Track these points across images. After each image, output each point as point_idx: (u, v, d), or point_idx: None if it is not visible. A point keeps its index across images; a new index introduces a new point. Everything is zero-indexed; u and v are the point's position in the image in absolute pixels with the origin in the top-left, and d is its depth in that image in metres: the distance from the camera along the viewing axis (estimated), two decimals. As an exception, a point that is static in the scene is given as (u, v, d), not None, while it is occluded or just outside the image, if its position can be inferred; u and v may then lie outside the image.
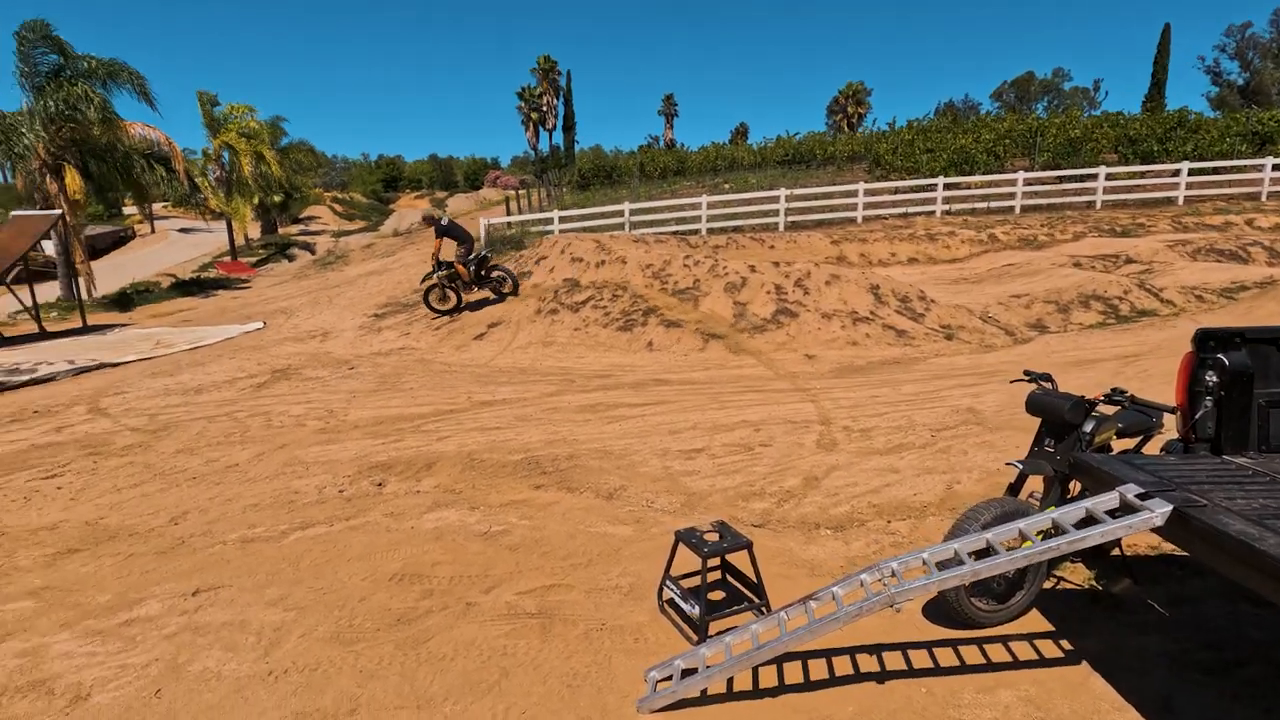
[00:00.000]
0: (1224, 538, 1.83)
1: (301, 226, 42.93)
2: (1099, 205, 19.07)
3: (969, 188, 20.29)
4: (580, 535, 3.90)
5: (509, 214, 23.50)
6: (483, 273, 11.52)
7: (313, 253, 28.02)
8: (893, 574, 2.35)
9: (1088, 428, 2.79)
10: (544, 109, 66.62)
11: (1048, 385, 3.08)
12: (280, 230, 37.76)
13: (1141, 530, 2.05)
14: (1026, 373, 3.23)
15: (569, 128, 66.61)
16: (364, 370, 8.97)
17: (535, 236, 20.99)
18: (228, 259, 25.57)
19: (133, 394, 8.06)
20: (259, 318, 15.00)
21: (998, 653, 2.67)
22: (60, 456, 5.80)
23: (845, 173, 28.31)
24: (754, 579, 2.89)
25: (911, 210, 19.88)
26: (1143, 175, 20.14)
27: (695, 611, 2.78)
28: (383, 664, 2.75)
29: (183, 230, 41.26)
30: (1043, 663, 2.60)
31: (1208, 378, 2.49)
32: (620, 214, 20.51)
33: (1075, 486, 3.01)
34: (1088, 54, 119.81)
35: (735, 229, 19.80)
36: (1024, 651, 2.67)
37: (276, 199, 35.44)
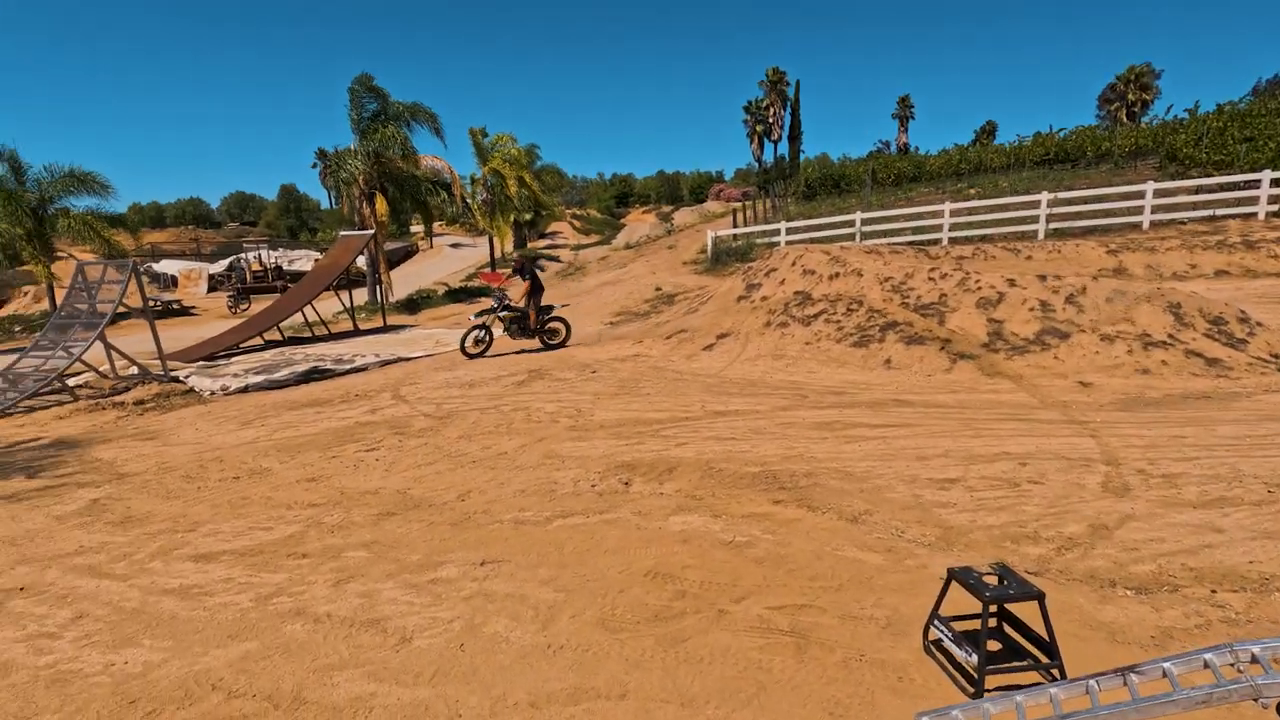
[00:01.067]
0: None
1: (547, 241, 47.54)
2: None
3: (1309, 183, 16.21)
4: (827, 557, 3.80)
5: (735, 226, 23.78)
6: (543, 321, 11.98)
7: (559, 263, 30.93)
8: (1253, 659, 1.93)
9: None
10: (770, 120, 66.51)
11: None
12: (528, 245, 42.20)
13: None
14: None
15: (794, 137, 65.74)
16: (604, 374, 9.65)
17: (761, 248, 21.03)
18: (488, 270, 29.13)
19: (423, 385, 9.52)
20: (513, 322, 16.83)
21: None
22: (375, 434, 7.03)
23: (1125, 171, 24.32)
24: (1045, 635, 2.57)
25: (1221, 213, 16.43)
26: None
27: (972, 660, 2.54)
28: (646, 655, 2.91)
29: (453, 245, 48.01)
30: None
31: None
32: (850, 224, 19.72)
33: None
34: None
35: (983, 238, 17.96)
36: None
37: (527, 217, 39.73)
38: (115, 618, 3.47)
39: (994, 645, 2.82)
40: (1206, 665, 1.99)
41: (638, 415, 7.26)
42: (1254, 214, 16.09)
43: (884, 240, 18.82)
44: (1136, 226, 16.97)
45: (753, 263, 14.14)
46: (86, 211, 19.97)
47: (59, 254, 22.68)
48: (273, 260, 33.10)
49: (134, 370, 10.19)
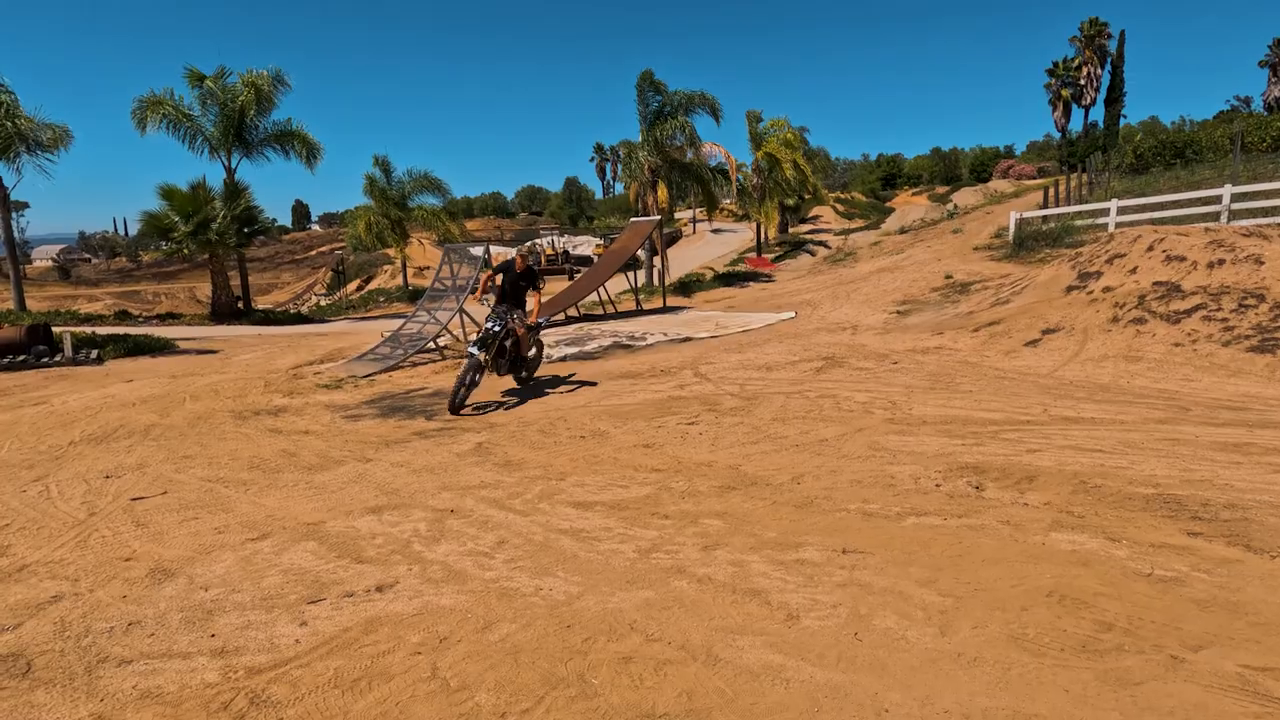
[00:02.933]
0: None
1: (810, 226, 46.43)
2: None
3: None
4: (1307, 616, 3.00)
5: (1045, 205, 20.73)
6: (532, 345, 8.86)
7: (826, 248, 29.99)
8: None
9: None
10: (1081, 82, 57.00)
11: None
12: (790, 230, 41.56)
13: None
14: None
15: (1113, 100, 55.71)
16: (907, 366, 9.01)
17: (1078, 230, 18.06)
18: (753, 255, 29.28)
19: (718, 365, 9.80)
20: (788, 308, 16.68)
21: None
22: (690, 409, 7.37)
23: None
24: None
25: None
26: None
27: None
28: (1090, 692, 2.54)
29: (715, 231, 49.23)
30: None
31: None
32: (1213, 200, 15.95)
33: None
34: None
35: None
36: None
37: (790, 201, 39.10)
38: (529, 548, 4.01)
39: None
40: None
41: (964, 414, 6.62)
42: None
43: (1265, 221, 14.91)
44: None
45: (1083, 248, 12.15)
46: (434, 207, 24.17)
47: (411, 240, 27.82)
48: (560, 245, 37.04)
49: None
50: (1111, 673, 2.65)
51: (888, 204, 59.36)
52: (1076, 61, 56.51)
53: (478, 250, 12.25)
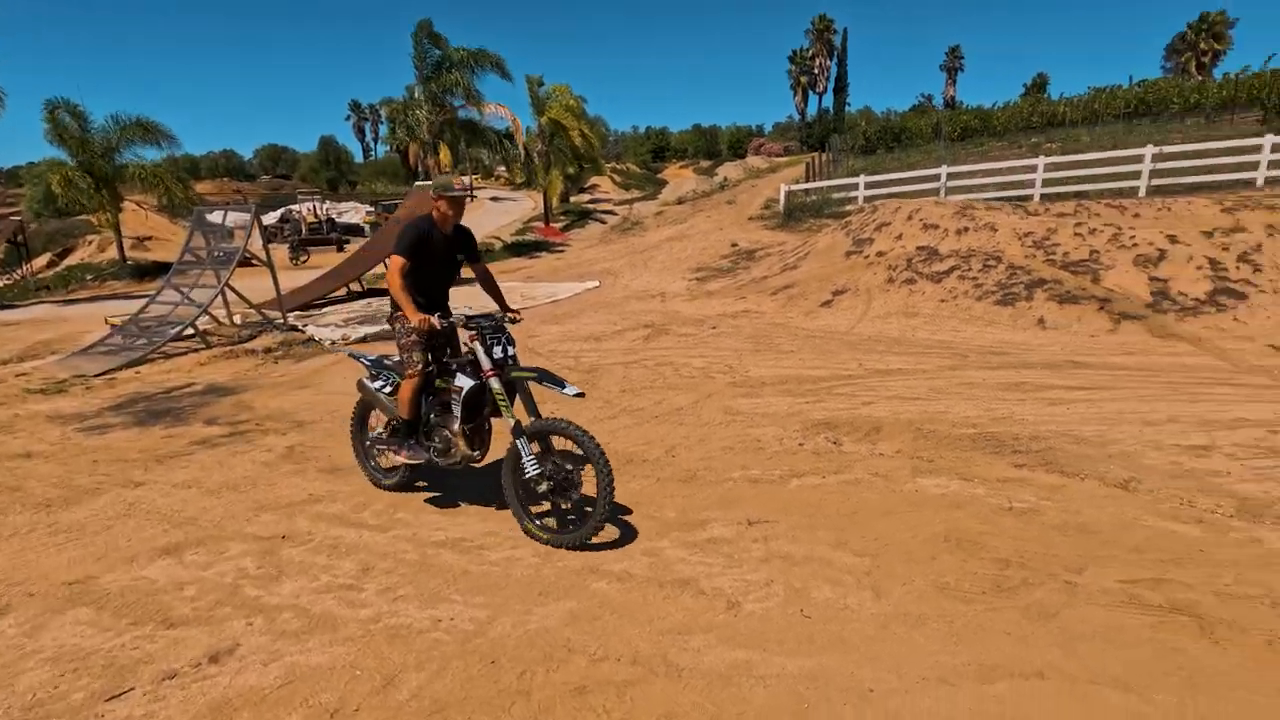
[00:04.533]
0: None
1: (589, 195, 46.77)
2: None
3: None
4: (1135, 527, 3.54)
5: (808, 180, 23.06)
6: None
7: (614, 216, 30.39)
8: None
9: None
10: (815, 71, 64.30)
11: None
12: (572, 199, 41.55)
13: None
14: None
15: (840, 89, 63.55)
16: (726, 330, 9.37)
17: (835, 203, 20.38)
18: (540, 224, 28.73)
19: (542, 338, 9.33)
20: (590, 277, 16.58)
21: None
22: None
23: (1220, 125, 23.03)
24: None
25: (1345, 170, 15.44)
26: None
27: None
28: (1027, 630, 2.70)
29: (493, 199, 47.51)
30: None
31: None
32: (934, 178, 18.94)
33: None
34: None
35: (1078, 195, 17.14)
36: None
37: (572, 170, 39.06)
38: (405, 570, 3.33)
39: None
40: None
41: (795, 373, 7.00)
42: (1383, 171, 15.10)
43: (967, 197, 18.08)
44: (1250, 184, 16.04)
45: (850, 217, 13.63)
46: (154, 164, 19.85)
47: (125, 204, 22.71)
48: (324, 212, 33.01)
49: (257, 318, 10.14)
50: (1031, 608, 2.85)
51: (659, 175, 62.11)
52: (810, 52, 63.67)
53: (237, 217, 10.21)
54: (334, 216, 33.20)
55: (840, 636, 2.71)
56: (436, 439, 3.87)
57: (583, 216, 32.19)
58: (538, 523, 3.57)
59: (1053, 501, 3.88)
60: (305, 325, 10.30)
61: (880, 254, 10.93)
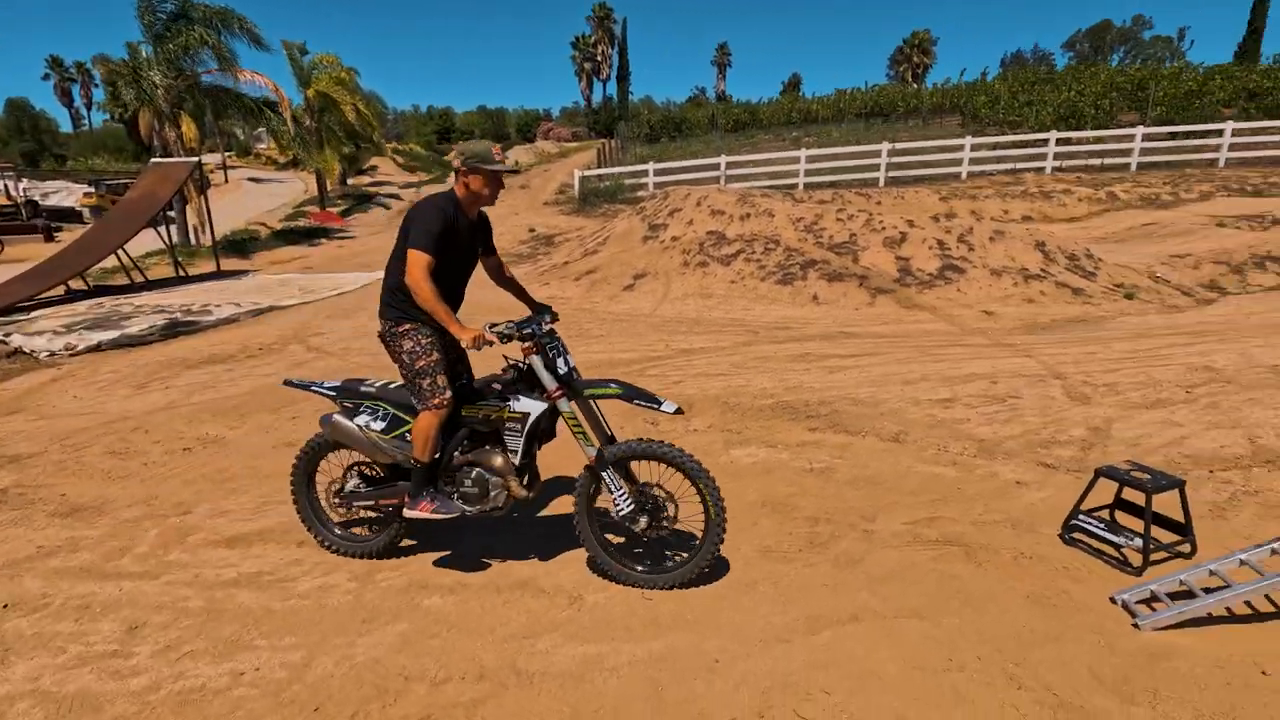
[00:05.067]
0: None
1: (369, 178, 43.33)
2: (1223, 163, 18.25)
3: (1081, 143, 19.58)
4: (910, 475, 4.10)
5: (601, 166, 23.48)
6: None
7: (401, 201, 28.37)
8: None
9: None
10: (598, 59, 65.49)
11: None
12: (350, 181, 38.19)
13: None
14: None
15: (623, 78, 65.37)
16: (534, 317, 9.24)
17: (626, 189, 21.02)
18: (315, 209, 26.06)
19: (332, 335, 8.47)
20: (380, 267, 15.40)
21: None
22: (324, 390, 6.17)
23: (933, 126, 27.46)
24: (1181, 518, 3.04)
25: (1019, 166, 19.31)
26: (1271, 132, 19.11)
27: (1135, 544, 2.95)
28: (839, 578, 2.99)
29: (253, 180, 42.05)
30: None
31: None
32: (715, 167, 20.32)
33: None
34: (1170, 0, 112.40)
35: (833, 184, 19.50)
36: None
37: (348, 149, 35.82)
38: (190, 621, 2.82)
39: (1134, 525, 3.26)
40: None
41: (607, 357, 7.11)
42: (1043, 168, 19.09)
43: (744, 185, 19.69)
44: (957, 176, 19.40)
45: (645, 203, 14.13)
46: None
47: None
48: (21, 192, 26.83)
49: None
50: (840, 558, 3.17)
51: (446, 158, 59.37)
52: (594, 39, 64.69)
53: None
54: (36, 198, 27.20)
55: (682, 614, 2.80)
56: (467, 482, 3.04)
57: (364, 200, 29.75)
58: (639, 569, 2.99)
59: (843, 459, 4.36)
60: (7, 335, 8.29)
61: (675, 239, 11.47)
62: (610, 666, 2.49)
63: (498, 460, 3.00)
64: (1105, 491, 3.33)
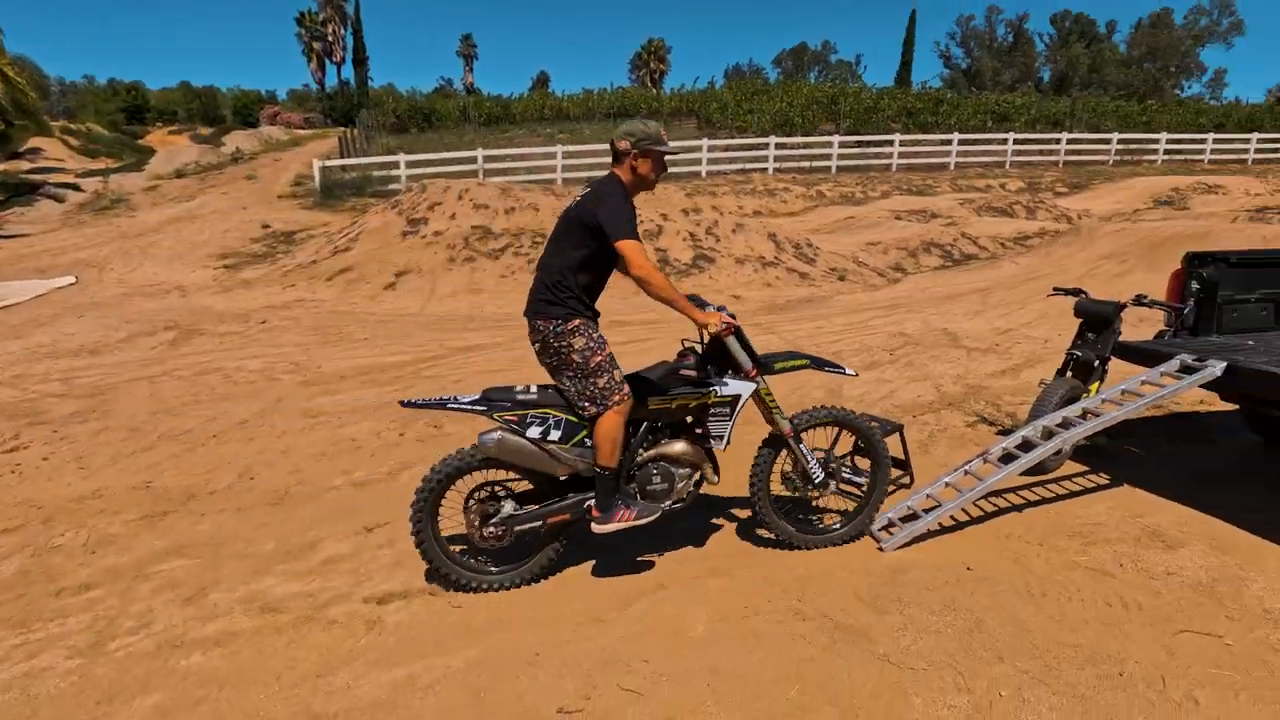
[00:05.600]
0: (1265, 375, 2.99)
1: (30, 164, 34.79)
2: (895, 168, 22.38)
3: (794, 148, 22.60)
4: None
5: (344, 156, 21.47)
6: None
7: (79, 192, 23.02)
8: (1022, 440, 3.29)
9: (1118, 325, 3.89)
10: (329, 38, 59.87)
11: (1082, 296, 4.16)
12: (2, 167, 30.31)
13: (1205, 380, 3.19)
14: (1056, 288, 4.38)
15: (360, 61, 60.58)
16: (281, 323, 8.23)
17: (376, 181, 19.58)
18: (-52, 200, 20.30)
19: (-3, 359, 6.68)
20: (59, 272, 12.54)
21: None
22: (-5, 429, 4.86)
23: (674, 128, 29.69)
24: (901, 456, 3.69)
25: (748, 167, 21.73)
26: (924, 144, 23.88)
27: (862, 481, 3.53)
28: (640, 549, 3.14)
29: None
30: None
31: (1193, 285, 3.75)
32: (472, 160, 19.82)
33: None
34: (849, 29, 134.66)
35: (589, 179, 20.13)
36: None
37: (-6, 126, 28.30)
38: None
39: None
40: (1005, 448, 3.28)
41: (375, 361, 6.61)
42: (767, 169, 21.71)
43: (506, 179, 19.52)
44: (698, 175, 21.25)
45: (400, 196, 13.30)
46: None
47: None
48: None
49: None
50: (648, 532, 3.32)
51: (140, 141, 49.90)
52: (322, 17, 58.87)
53: None
54: None
55: (495, 615, 2.72)
56: (655, 479, 2.87)
57: (24, 191, 23.80)
58: (837, 527, 3.19)
59: (631, 440, 4.56)
60: None
61: (437, 233, 10.98)
62: (425, 685, 2.33)
63: (681, 449, 2.92)
64: (845, 441, 3.92)
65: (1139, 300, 3.91)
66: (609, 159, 2.87)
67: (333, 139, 31.26)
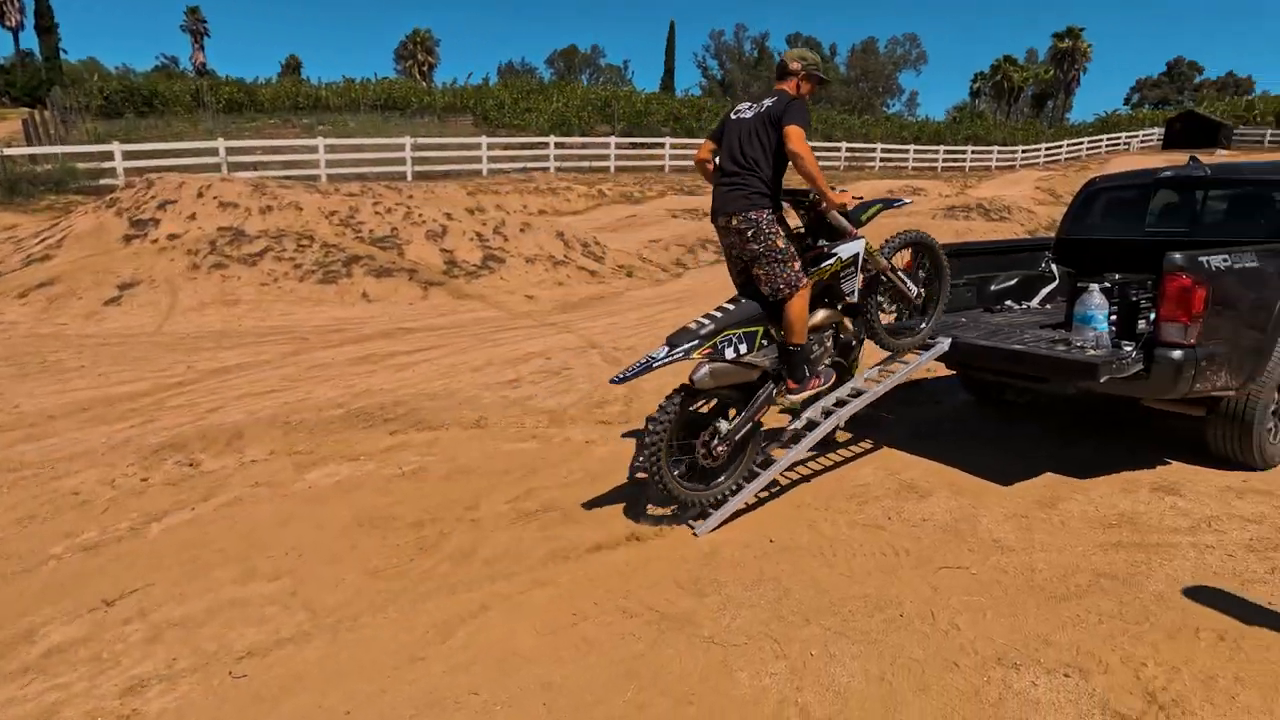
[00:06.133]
0: (976, 347, 3.63)
1: None
2: (667, 169, 23.76)
3: (573, 148, 22.96)
4: (497, 456, 4.26)
5: (32, 144, 17.36)
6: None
7: None
8: (806, 421, 3.66)
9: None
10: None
11: None
12: None
13: (939, 354, 3.78)
14: None
15: (47, 29, 50.22)
16: (-49, 355, 6.46)
17: (84, 176, 16.24)
18: None
19: None
20: None
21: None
22: None
23: (449, 124, 28.59)
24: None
25: (530, 166, 21.63)
26: (693, 147, 25.55)
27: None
28: (460, 575, 2.94)
29: None
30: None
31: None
32: (212, 152, 17.27)
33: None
34: (615, 34, 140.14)
35: (359, 176, 18.62)
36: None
37: None
38: None
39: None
40: (806, 419, 3.63)
41: (100, 393, 5.47)
42: (548, 168, 21.80)
43: (257, 174, 17.31)
44: (478, 173, 20.69)
45: (119, 193, 11.14)
46: None
47: None
48: None
49: None
50: (455, 555, 3.12)
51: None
52: (-15, -32, 47.33)
53: None
54: None
55: (295, 677, 2.37)
56: (815, 347, 3.53)
57: None
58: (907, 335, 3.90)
59: (434, 456, 4.28)
60: None
61: (173, 237, 9.40)
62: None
63: (824, 316, 3.58)
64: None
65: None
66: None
67: (14, 121, 25.45)
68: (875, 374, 3.90)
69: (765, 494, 3.65)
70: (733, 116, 3.39)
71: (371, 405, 5.20)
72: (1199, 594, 2.70)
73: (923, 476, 3.88)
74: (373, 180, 18.44)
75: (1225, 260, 3.45)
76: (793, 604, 2.71)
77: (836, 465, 4.09)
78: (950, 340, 3.82)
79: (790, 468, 3.87)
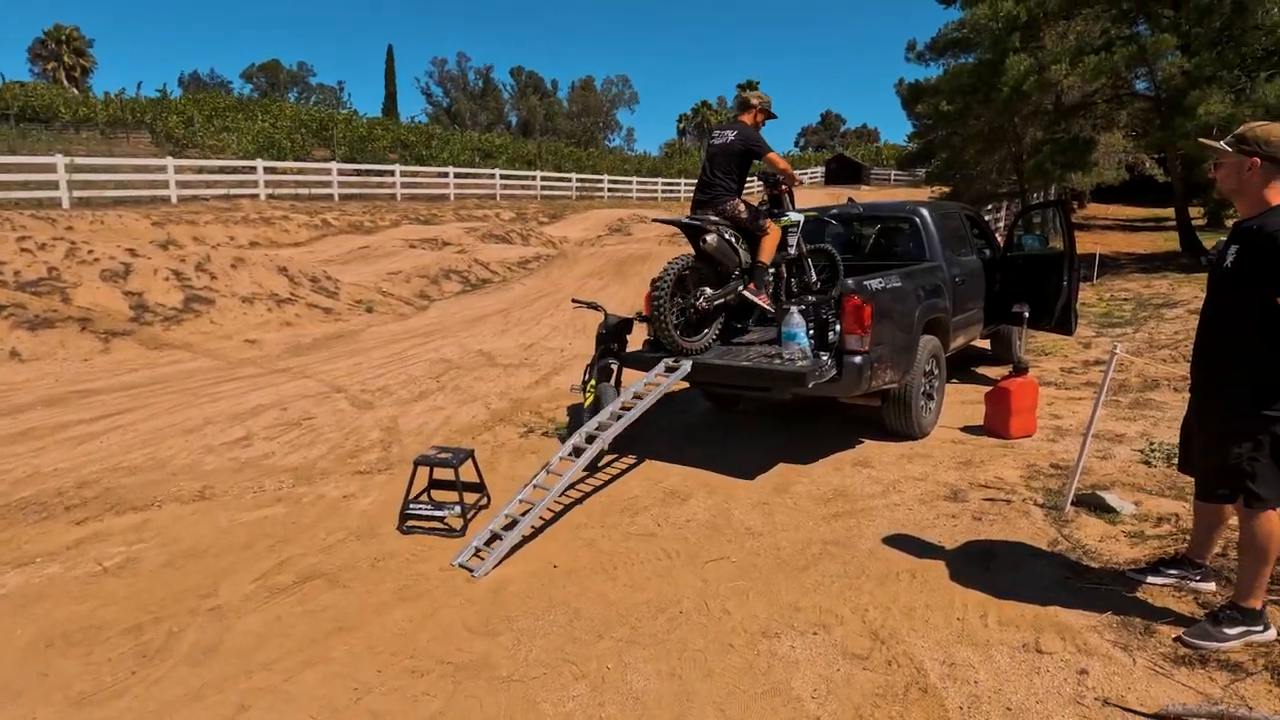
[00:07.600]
0: (710, 366, 4.12)
1: None
2: (399, 198, 22.69)
3: (288, 173, 20.76)
4: (233, 529, 3.71)
5: None
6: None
7: None
8: (573, 449, 3.81)
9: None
10: None
11: (600, 313, 4.98)
12: None
13: (683, 376, 4.20)
14: (576, 300, 5.08)
15: None
16: None
17: None
18: None
19: None
20: None
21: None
22: None
23: (119, 142, 24.01)
24: (476, 479, 3.81)
25: (234, 192, 19.06)
26: (424, 175, 24.82)
27: (455, 511, 3.55)
28: (205, 675, 2.49)
29: None
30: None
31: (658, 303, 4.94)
32: None
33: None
34: (323, 51, 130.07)
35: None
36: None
37: None
38: None
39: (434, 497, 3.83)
40: (575, 449, 3.77)
41: None
42: (258, 195, 19.45)
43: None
44: (166, 200, 17.68)
45: None
46: None
47: None
48: None
49: None
50: (195, 652, 2.64)
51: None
52: None
53: None
54: None
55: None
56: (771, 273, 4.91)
57: None
58: None
59: (144, 541, 3.57)
60: None
61: None
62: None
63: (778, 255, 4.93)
64: (422, 477, 3.86)
65: (640, 316, 4.91)
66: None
67: None
68: (630, 398, 4.20)
69: (541, 522, 3.69)
70: (716, 141, 4.64)
71: (44, 491, 4.16)
72: (894, 543, 3.37)
73: (681, 482, 4.25)
74: (9, 208, 14.69)
75: (880, 282, 4.38)
76: (584, 624, 2.79)
77: (607, 483, 4.30)
78: (690, 363, 4.30)
79: (563, 492, 3.98)
